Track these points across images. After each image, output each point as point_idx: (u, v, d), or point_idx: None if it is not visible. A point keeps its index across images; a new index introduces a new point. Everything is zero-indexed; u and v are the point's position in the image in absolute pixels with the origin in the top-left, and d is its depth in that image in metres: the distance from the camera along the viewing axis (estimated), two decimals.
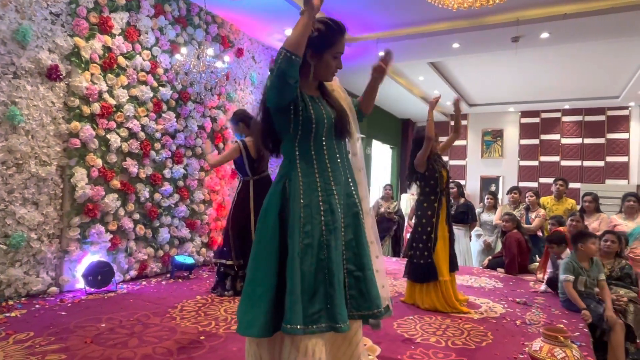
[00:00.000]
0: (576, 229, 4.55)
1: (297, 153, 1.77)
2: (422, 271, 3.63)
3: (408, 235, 4.61)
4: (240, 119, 4.03)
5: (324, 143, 1.79)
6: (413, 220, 4.10)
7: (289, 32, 5.53)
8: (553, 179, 5.98)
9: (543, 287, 4.35)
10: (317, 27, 1.75)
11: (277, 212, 1.76)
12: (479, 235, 6.27)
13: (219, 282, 3.89)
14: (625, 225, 4.72)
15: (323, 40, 1.76)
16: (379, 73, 1.93)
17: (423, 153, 3.65)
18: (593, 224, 5.16)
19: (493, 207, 6.26)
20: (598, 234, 4.28)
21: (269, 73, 1.71)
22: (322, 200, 1.74)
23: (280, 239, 1.74)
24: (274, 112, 1.77)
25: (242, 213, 3.88)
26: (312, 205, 1.73)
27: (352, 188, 1.85)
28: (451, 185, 6.08)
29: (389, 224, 6.79)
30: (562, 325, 3.02)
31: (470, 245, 6.19)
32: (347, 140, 1.91)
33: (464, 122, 11.40)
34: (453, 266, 3.77)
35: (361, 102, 2.04)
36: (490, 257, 5.80)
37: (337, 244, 1.73)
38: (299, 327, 1.62)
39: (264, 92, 1.79)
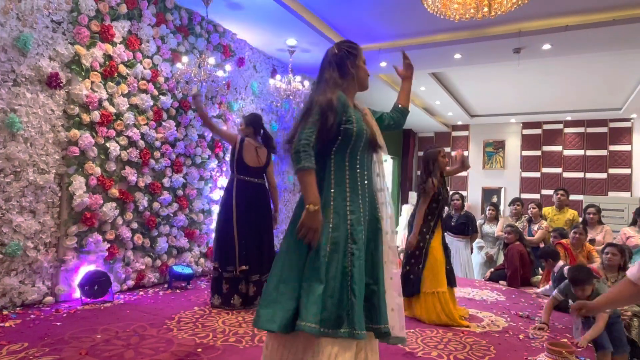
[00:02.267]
0: (579, 241, 4.55)
1: (332, 162, 1.88)
2: (412, 286, 3.67)
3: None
4: (252, 123, 4.07)
5: (358, 156, 1.91)
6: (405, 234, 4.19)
7: (290, 41, 5.58)
8: (554, 189, 5.97)
9: (542, 289, 4.38)
10: (344, 46, 2.03)
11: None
12: (480, 248, 6.24)
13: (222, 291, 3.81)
14: (638, 238, 4.70)
15: (354, 52, 2.03)
16: (402, 77, 2.32)
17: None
18: (597, 236, 5.14)
19: (495, 219, 6.24)
20: (601, 246, 4.26)
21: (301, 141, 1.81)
22: (349, 210, 1.83)
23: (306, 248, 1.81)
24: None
25: (225, 214, 3.86)
26: (340, 214, 1.82)
27: (377, 205, 1.95)
28: (456, 196, 6.08)
29: None
30: (566, 340, 2.98)
31: (472, 258, 6.15)
32: (374, 159, 2.03)
33: (465, 133, 11.43)
34: (450, 281, 3.76)
35: (399, 100, 2.29)
36: (492, 270, 5.77)
37: (360, 254, 1.80)
38: (314, 325, 1.67)
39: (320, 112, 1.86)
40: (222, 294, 3.73)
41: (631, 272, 2.14)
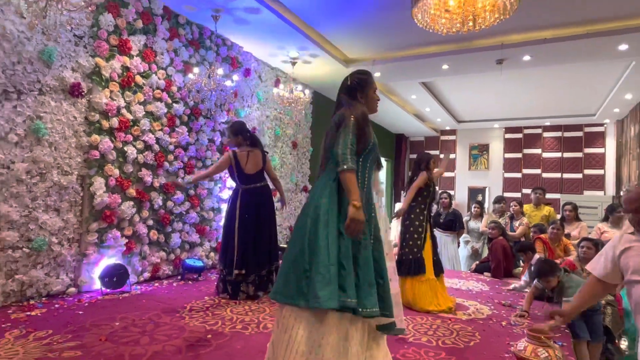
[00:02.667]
0: (557, 236, 4.55)
1: (360, 167, 1.97)
2: (413, 265, 3.69)
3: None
4: (238, 131, 3.92)
5: (368, 165, 2.02)
6: (398, 226, 4.23)
7: (292, 54, 5.58)
8: (532, 188, 5.97)
9: (519, 284, 4.38)
10: (356, 77, 2.12)
11: (337, 205, 1.89)
12: (467, 242, 6.24)
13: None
14: (612, 233, 4.70)
15: (365, 83, 2.11)
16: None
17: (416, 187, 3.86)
18: (573, 231, 5.14)
19: (479, 216, 6.25)
20: (577, 241, 4.26)
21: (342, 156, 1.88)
22: (367, 210, 1.93)
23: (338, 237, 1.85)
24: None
25: (228, 222, 3.84)
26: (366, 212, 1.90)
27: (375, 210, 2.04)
28: (444, 195, 6.08)
29: None
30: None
31: (459, 251, 6.15)
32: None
33: (453, 137, 11.42)
34: (438, 269, 3.79)
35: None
36: (477, 262, 5.77)
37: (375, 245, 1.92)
38: (375, 310, 1.78)
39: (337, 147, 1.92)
40: (229, 293, 3.71)
41: (593, 267, 2.14)
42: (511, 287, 4.45)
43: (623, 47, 5.16)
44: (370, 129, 1.99)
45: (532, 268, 3.93)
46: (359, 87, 2.09)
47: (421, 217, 3.81)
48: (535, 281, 3.60)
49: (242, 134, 3.91)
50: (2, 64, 3.13)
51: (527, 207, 5.94)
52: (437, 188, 4.19)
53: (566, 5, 4.46)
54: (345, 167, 1.83)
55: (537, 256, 4.29)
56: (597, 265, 2.11)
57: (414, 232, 3.79)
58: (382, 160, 11.09)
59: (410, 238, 3.79)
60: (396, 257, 3.67)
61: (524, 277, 4.41)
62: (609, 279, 2.07)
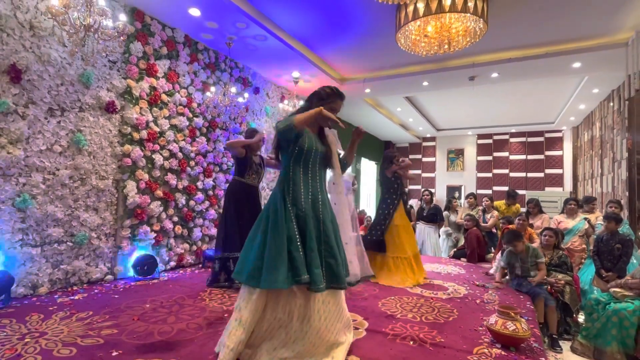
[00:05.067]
0: (523, 226, 4.54)
1: (291, 168, 2.00)
2: (377, 244, 3.90)
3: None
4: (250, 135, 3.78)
5: (309, 166, 2.00)
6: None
7: (295, 74, 5.58)
8: (506, 194, 5.87)
9: (492, 269, 4.35)
10: (325, 89, 2.08)
11: (283, 204, 1.92)
12: (449, 235, 6.18)
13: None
14: (567, 222, 4.69)
15: (323, 96, 2.08)
16: (357, 136, 2.19)
17: (395, 172, 4.03)
18: (537, 222, 5.12)
19: (454, 210, 6.25)
20: (540, 230, 4.24)
21: (278, 124, 1.95)
22: (303, 200, 1.95)
23: (286, 227, 1.90)
24: (281, 138, 1.98)
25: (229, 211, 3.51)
26: (297, 204, 1.94)
27: (326, 199, 2.05)
28: (426, 192, 6.07)
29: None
30: (513, 305, 2.97)
31: (440, 241, 6.14)
32: (328, 170, 2.14)
33: (433, 143, 11.40)
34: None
35: (345, 155, 2.27)
36: (454, 249, 5.75)
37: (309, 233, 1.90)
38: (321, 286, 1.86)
39: (276, 129, 1.99)
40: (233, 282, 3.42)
41: None
42: (491, 271, 4.40)
43: (577, 64, 5.16)
44: (301, 133, 1.96)
45: (503, 240, 3.95)
46: (315, 98, 2.08)
47: (391, 207, 3.96)
48: (500, 262, 3.69)
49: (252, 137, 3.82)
50: (48, 86, 3.13)
51: (500, 204, 5.91)
52: (406, 182, 4.31)
53: (528, 29, 4.46)
54: (280, 126, 1.90)
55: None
56: None
57: (382, 220, 3.95)
58: (373, 163, 11.18)
59: (377, 223, 3.97)
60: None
61: (496, 263, 4.39)
62: None
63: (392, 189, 4.02)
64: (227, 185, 3.69)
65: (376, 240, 3.91)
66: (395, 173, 4.03)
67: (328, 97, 2.08)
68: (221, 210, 3.99)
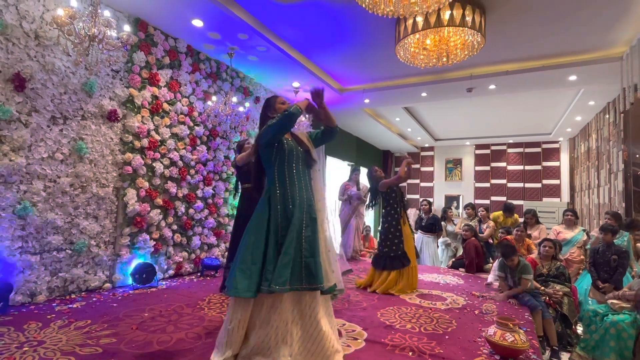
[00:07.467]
0: (520, 237, 4.56)
1: (276, 175, 2.05)
2: (399, 260, 3.83)
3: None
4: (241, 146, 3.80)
5: (293, 168, 2.07)
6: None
7: (295, 84, 5.63)
8: (503, 207, 5.91)
9: (489, 279, 4.35)
10: (265, 103, 2.23)
11: (267, 213, 2.00)
12: (448, 245, 6.19)
13: None
14: (566, 233, 4.70)
15: (269, 103, 2.21)
16: (314, 97, 2.12)
17: (390, 183, 4.07)
18: (534, 233, 5.14)
19: (451, 220, 6.27)
20: (538, 241, 4.26)
21: (273, 122, 2.02)
22: (292, 205, 2.01)
23: (266, 231, 1.97)
24: (264, 149, 2.07)
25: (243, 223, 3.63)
26: (285, 206, 2.01)
27: (312, 200, 2.10)
28: (424, 202, 6.09)
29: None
30: (512, 316, 2.97)
31: (438, 252, 6.14)
32: (310, 168, 2.18)
33: (431, 153, 11.46)
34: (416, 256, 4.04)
35: (323, 122, 2.23)
36: (453, 259, 5.75)
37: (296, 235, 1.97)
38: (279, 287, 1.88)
39: (261, 138, 2.07)
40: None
41: None
42: (488, 281, 4.40)
43: (573, 77, 5.24)
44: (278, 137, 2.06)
45: (497, 250, 3.98)
46: (267, 108, 2.19)
47: (396, 217, 3.95)
48: (497, 272, 3.68)
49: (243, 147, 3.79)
50: (51, 94, 3.16)
51: (498, 214, 5.93)
52: (404, 193, 4.34)
53: (525, 43, 4.53)
54: (274, 120, 2.00)
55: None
56: None
57: (395, 232, 3.91)
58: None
59: (392, 238, 3.90)
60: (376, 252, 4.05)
61: (492, 273, 4.40)
62: None
63: (391, 200, 4.04)
64: (239, 195, 3.72)
65: (401, 254, 3.83)
66: (388, 188, 4.05)
67: (271, 102, 2.21)
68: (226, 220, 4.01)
